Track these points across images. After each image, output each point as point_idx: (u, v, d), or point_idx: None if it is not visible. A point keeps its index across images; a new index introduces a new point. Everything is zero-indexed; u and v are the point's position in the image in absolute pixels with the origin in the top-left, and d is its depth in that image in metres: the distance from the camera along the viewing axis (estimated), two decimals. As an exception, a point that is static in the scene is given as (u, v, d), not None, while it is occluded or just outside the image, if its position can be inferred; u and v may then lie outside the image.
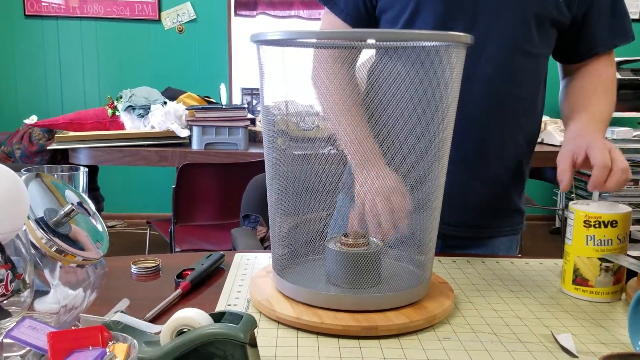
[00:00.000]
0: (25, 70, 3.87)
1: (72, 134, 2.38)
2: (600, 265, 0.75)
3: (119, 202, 3.88)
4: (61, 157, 2.41)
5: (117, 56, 3.89)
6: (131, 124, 2.48)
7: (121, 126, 2.49)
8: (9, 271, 0.47)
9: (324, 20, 1.00)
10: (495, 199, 0.99)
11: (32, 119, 2.53)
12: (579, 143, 0.83)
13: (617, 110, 3.50)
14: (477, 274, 0.86)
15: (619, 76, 3.24)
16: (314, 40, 0.76)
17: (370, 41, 0.74)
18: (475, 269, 0.89)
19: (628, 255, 0.74)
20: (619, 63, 3.30)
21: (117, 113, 2.50)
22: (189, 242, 2.22)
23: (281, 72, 0.72)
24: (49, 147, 2.34)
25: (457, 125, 0.76)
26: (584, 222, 0.75)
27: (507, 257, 0.96)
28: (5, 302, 0.49)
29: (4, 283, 0.47)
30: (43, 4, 3.79)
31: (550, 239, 3.81)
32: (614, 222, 0.74)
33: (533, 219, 3.86)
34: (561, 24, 0.94)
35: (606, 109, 0.95)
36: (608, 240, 0.74)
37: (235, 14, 3.95)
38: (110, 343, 0.45)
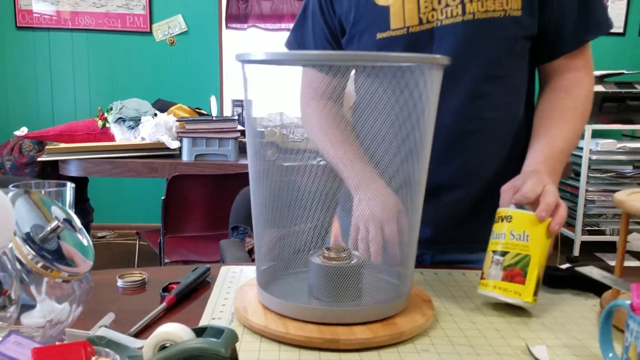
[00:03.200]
0: (16, 81, 3.88)
1: (62, 145, 2.39)
2: (492, 257, 0.77)
3: (109, 213, 3.87)
4: (51, 169, 2.42)
5: (109, 68, 3.91)
6: (121, 136, 2.49)
7: (111, 138, 2.50)
8: (-6, 288, 0.48)
9: (306, 75, 0.98)
10: (482, 216, 0.99)
11: (23, 131, 2.54)
12: (523, 175, 0.83)
13: (601, 122, 3.57)
14: (457, 286, 0.88)
15: (602, 89, 3.30)
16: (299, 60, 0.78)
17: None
18: (456, 281, 0.90)
19: (601, 269, 0.76)
20: (602, 77, 3.36)
21: (107, 125, 2.51)
22: (178, 253, 2.23)
23: (266, 90, 0.74)
24: (39, 159, 2.34)
25: (435, 152, 0.78)
26: (495, 218, 0.79)
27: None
28: (-10, 317, 0.50)
29: (-11, 299, 0.48)
30: (35, 15, 3.80)
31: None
32: (508, 217, 0.76)
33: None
34: (530, 37, 0.91)
35: (569, 136, 0.91)
36: (501, 234, 0.77)
37: (227, 27, 3.98)
38: (94, 358, 0.46)
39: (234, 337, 0.55)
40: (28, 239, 0.60)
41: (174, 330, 0.54)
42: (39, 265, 0.59)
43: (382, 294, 0.76)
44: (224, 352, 0.53)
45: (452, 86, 0.90)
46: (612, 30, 4.00)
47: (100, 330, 0.58)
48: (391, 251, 0.78)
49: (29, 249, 0.59)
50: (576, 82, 0.94)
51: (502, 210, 0.78)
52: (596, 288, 0.85)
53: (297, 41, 1.05)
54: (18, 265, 0.58)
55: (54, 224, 0.62)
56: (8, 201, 0.51)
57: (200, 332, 0.57)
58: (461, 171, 0.94)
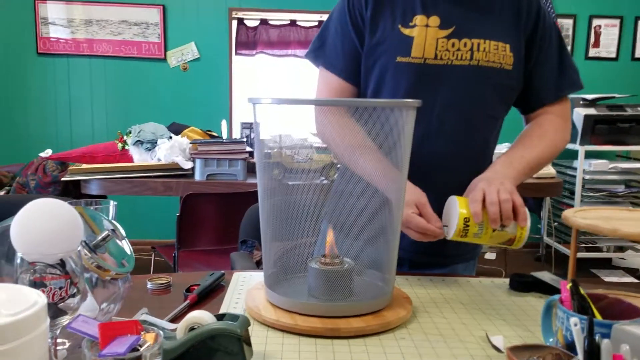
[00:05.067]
0: (37, 105, 4.09)
1: (84, 166, 2.56)
2: (497, 230, 0.95)
3: (126, 228, 3.97)
4: (73, 188, 2.58)
5: (125, 92, 4.11)
6: (139, 157, 2.66)
7: (130, 159, 2.67)
8: (68, 280, 0.64)
9: (322, 77, 1.16)
10: None
11: (47, 153, 2.72)
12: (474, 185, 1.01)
13: (593, 143, 3.71)
14: (436, 290, 1.03)
15: (594, 112, 3.45)
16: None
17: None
18: (435, 286, 1.05)
19: (552, 274, 0.90)
20: (595, 100, 3.52)
21: (126, 147, 2.69)
22: (191, 265, 2.39)
23: (273, 117, 0.90)
24: (62, 179, 2.52)
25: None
26: (462, 231, 0.96)
27: (464, 276, 1.13)
28: (62, 304, 0.66)
29: (64, 289, 0.64)
30: (51, 39, 4.02)
31: (535, 265, 3.97)
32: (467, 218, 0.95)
33: (519, 246, 4.00)
34: (516, 89, 1.12)
35: (532, 154, 1.09)
36: (481, 223, 0.95)
37: (236, 53, 4.18)
38: (143, 332, 0.61)
39: (246, 322, 0.71)
40: (85, 245, 0.76)
41: (201, 315, 0.70)
42: (94, 265, 0.75)
43: (370, 292, 0.91)
44: (240, 332, 0.68)
45: (449, 115, 1.09)
46: (605, 55, 4.17)
47: (142, 316, 0.73)
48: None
49: (87, 252, 0.75)
50: (549, 120, 1.16)
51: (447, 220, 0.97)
52: (557, 291, 0.99)
53: (321, 41, 1.16)
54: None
55: (105, 233, 0.78)
56: (77, 214, 0.67)
57: (220, 317, 0.72)
58: (438, 192, 1.06)
